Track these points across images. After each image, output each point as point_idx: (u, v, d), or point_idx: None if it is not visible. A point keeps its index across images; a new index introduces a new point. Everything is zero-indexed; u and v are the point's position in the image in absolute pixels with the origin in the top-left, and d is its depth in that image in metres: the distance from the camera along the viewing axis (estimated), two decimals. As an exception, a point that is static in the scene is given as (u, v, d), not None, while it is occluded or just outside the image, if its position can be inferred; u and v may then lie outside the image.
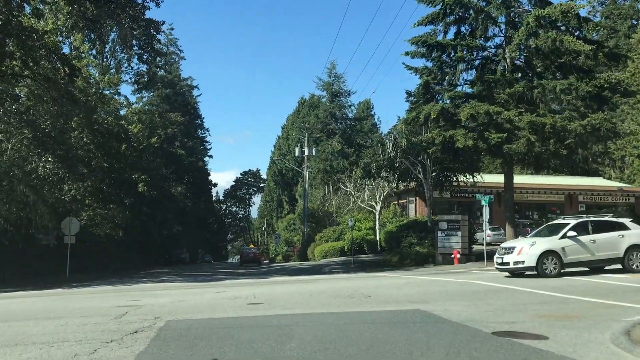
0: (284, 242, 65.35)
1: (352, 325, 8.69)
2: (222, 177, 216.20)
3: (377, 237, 41.18)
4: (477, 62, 30.11)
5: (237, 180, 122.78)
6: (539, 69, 29.02)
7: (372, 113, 77.18)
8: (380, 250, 39.68)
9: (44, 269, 24.30)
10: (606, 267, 18.09)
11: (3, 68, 25.23)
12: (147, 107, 57.90)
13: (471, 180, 32.93)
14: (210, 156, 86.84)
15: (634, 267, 17.44)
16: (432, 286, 15.39)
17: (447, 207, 44.52)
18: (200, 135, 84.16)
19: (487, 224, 25.35)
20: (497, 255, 18.41)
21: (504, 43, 29.03)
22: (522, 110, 27.98)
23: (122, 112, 44.60)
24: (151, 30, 27.01)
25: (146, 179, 41.22)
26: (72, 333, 8.68)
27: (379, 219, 42.39)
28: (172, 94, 73.17)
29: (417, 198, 46.66)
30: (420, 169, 31.60)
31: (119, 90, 41.78)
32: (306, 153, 55.43)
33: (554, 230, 18.18)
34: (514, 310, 10.04)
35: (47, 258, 25.48)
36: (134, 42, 29.32)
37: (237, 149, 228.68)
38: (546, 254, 17.00)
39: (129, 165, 38.11)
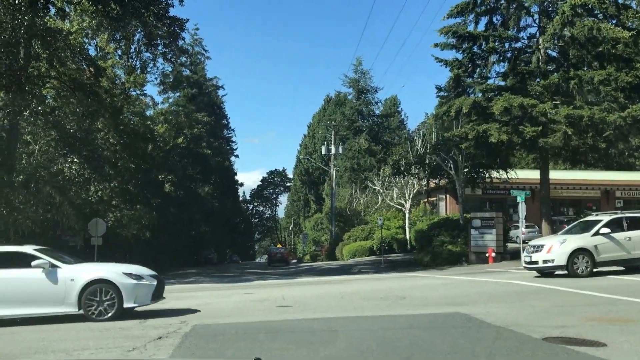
0: (312, 242, 64.86)
1: (389, 331, 8.08)
2: (248, 177, 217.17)
3: (407, 236, 40.39)
4: (509, 54, 29.11)
5: (263, 180, 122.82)
6: (574, 60, 27.92)
7: (399, 109, 76.16)
8: (410, 249, 38.88)
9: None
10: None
11: (30, 70, 25.22)
12: (173, 107, 57.98)
13: (504, 176, 31.90)
14: (237, 156, 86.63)
15: None
16: (469, 287, 14.68)
17: (479, 205, 43.42)
18: (226, 135, 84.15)
19: (524, 221, 24.39)
20: (525, 253, 17.53)
21: (537, 33, 28.02)
22: (558, 102, 26.95)
23: (148, 113, 44.64)
24: (175, 28, 26.71)
25: (173, 179, 41.09)
26: (94, 339, 8.25)
27: (408, 217, 41.58)
28: (198, 94, 73.18)
29: (448, 195, 45.66)
30: (452, 165, 30.72)
31: (144, 91, 41.75)
32: (333, 151, 54.79)
33: (586, 227, 17.16)
34: (561, 313, 9.32)
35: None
36: (159, 41, 29.08)
37: (262, 149, 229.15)
38: (577, 252, 15.95)
39: (156, 166, 37.97)
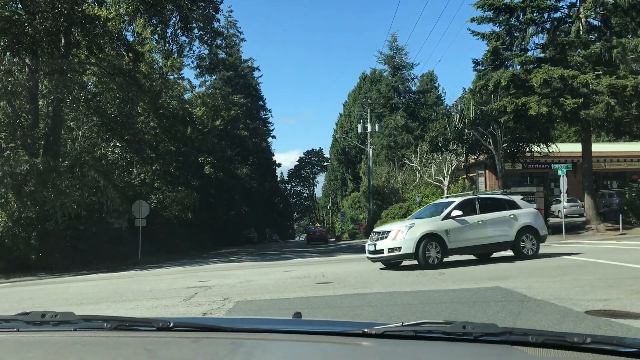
0: (350, 220, 65.03)
1: (428, 306, 8.14)
2: (285, 158, 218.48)
3: (446, 213, 40.13)
4: (548, 24, 28.46)
5: (300, 160, 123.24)
6: (617, 28, 27.09)
7: (436, 85, 75.07)
8: (449, 225, 38.63)
9: (117, 251, 24.95)
10: (495, 254, 15.45)
11: (71, 57, 25.84)
12: (210, 90, 58.56)
13: (545, 150, 31.31)
14: (274, 137, 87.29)
15: (525, 252, 14.75)
16: (509, 262, 14.57)
17: (520, 180, 42.76)
18: (263, 116, 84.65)
19: (565, 194, 23.97)
20: (369, 241, 15.06)
21: (577, 2, 27.26)
22: (600, 73, 26.26)
23: (186, 96, 45.25)
24: (210, 10, 26.91)
25: (212, 161, 41.74)
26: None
27: (447, 193, 41.26)
28: (234, 77, 73.64)
29: (487, 171, 45.08)
30: (491, 140, 30.31)
31: (182, 75, 42.31)
32: (369, 129, 54.53)
33: (436, 210, 15.25)
34: (605, 287, 9.20)
35: (119, 241, 26.17)
36: (194, 24, 29.36)
37: (299, 130, 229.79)
38: (427, 238, 13.91)
39: (195, 148, 38.62)
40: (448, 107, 65.93)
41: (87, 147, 25.27)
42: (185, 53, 48.29)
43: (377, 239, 14.43)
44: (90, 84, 29.33)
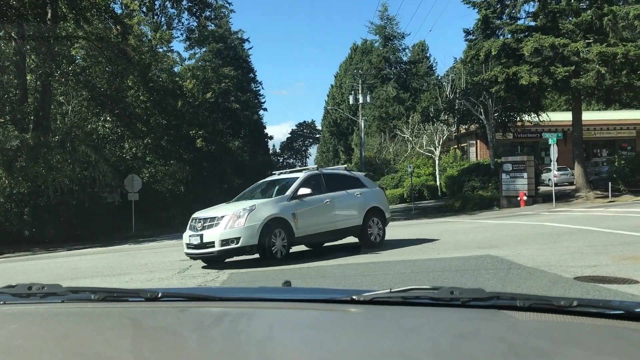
0: (343, 192, 65.20)
1: (420, 274, 8.28)
2: (277, 130, 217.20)
3: (438, 183, 40.36)
4: (540, -8, 28.24)
5: (292, 132, 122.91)
6: (608, -5, 26.93)
7: (428, 55, 74.48)
8: (441, 195, 38.92)
9: (110, 226, 24.99)
10: (340, 241, 12.78)
11: (57, 30, 25.49)
12: (200, 63, 57.94)
13: (536, 119, 31.38)
14: (265, 109, 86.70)
15: (372, 239, 12.50)
16: (500, 230, 14.77)
17: (510, 149, 42.96)
18: (254, 89, 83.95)
19: (555, 163, 24.15)
20: (189, 232, 11.43)
21: (569, -32, 27.00)
22: (591, 41, 26.18)
23: (176, 69, 44.78)
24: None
25: (204, 134, 41.49)
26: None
27: (438, 164, 41.44)
28: (224, 49, 72.79)
29: (478, 141, 45.23)
30: (482, 110, 30.32)
31: (171, 47, 41.84)
32: (360, 100, 54.31)
33: (275, 189, 12.32)
34: (594, 253, 9.37)
35: (113, 215, 26.16)
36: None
37: (291, 102, 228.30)
38: (272, 224, 10.88)
39: (186, 122, 38.40)
40: (439, 78, 65.66)
41: (78, 121, 25.07)
42: (174, 25, 47.80)
43: (203, 228, 11.00)
44: (79, 58, 28.97)
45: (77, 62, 27.09)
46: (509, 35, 28.17)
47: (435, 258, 9.92)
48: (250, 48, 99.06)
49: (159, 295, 1.78)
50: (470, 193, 29.43)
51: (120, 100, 26.38)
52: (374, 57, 69.24)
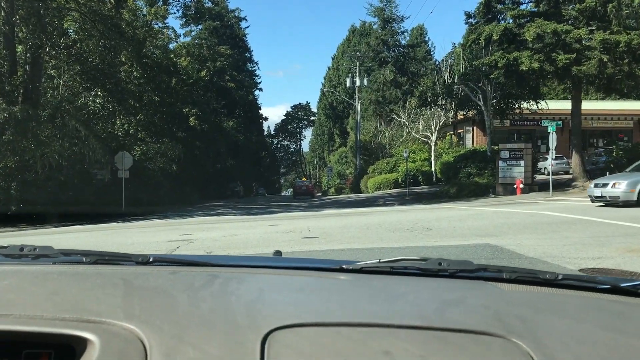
0: (337, 175, 64.88)
1: (417, 262, 7.91)
2: (273, 112, 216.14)
3: (433, 169, 40.01)
4: (543, -24, 27.72)
5: (287, 114, 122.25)
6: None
7: (426, 39, 73.75)
8: (436, 181, 38.62)
9: (100, 203, 24.41)
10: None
11: (48, 1, 24.78)
12: (196, 41, 57.09)
13: (534, 107, 30.98)
14: (260, 89, 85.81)
15: None
16: (497, 218, 14.42)
17: (507, 136, 42.58)
18: (250, 68, 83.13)
19: (554, 152, 23.81)
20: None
21: (575, -47, 26.46)
22: (594, 28, 25.74)
23: (170, 46, 44.00)
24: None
25: (197, 112, 40.88)
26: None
27: (434, 149, 41.05)
28: (220, 27, 71.88)
29: (475, 127, 44.85)
30: (480, 96, 29.87)
31: (166, 24, 41.03)
32: (357, 83, 53.76)
33: None
34: (596, 244, 9.03)
35: (102, 193, 25.62)
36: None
37: (287, 83, 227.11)
38: None
39: (180, 99, 37.74)
40: (437, 63, 65.05)
41: (68, 96, 24.40)
42: (171, 1, 46.89)
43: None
44: (71, 30, 28.26)
45: (69, 35, 26.32)
46: (511, 20, 27.69)
47: (431, 246, 9.56)
48: (247, 27, 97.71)
49: (151, 259, 1.83)
50: (466, 180, 29.11)
51: (113, 75, 25.69)
52: (372, 39, 68.50)
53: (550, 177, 23.65)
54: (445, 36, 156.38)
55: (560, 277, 1.52)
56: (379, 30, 69.66)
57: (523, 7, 27.79)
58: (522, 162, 26.31)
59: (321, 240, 10.98)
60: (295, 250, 9.62)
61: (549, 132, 23.47)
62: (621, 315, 1.32)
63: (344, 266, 1.76)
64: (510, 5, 27.93)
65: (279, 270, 1.86)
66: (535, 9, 27.57)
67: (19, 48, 25.22)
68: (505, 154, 26.78)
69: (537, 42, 26.00)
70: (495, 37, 25.55)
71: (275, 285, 1.66)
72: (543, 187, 26.09)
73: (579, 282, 1.54)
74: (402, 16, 69.73)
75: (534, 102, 30.82)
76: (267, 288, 1.61)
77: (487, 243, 9.51)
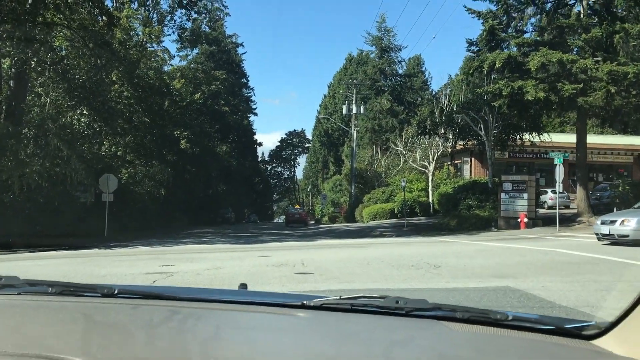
0: (331, 203, 63.65)
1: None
2: (267, 139, 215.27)
3: (430, 199, 38.90)
4: (548, 6, 27.05)
5: (282, 140, 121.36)
6: (620, 13, 25.79)
7: (423, 69, 73.48)
8: (433, 212, 37.49)
9: (82, 228, 23.07)
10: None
11: (38, 17, 23.79)
12: (192, 65, 56.30)
13: (536, 138, 30.08)
14: (255, 114, 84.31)
15: None
16: (509, 255, 13.24)
17: (505, 168, 41.76)
18: (246, 94, 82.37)
19: (561, 184, 22.76)
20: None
21: (580, -18, 25.85)
22: (600, 59, 24.97)
23: (165, 69, 43.09)
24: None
25: (189, 135, 39.65)
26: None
27: (432, 179, 40.01)
28: (217, 52, 71.33)
29: (473, 158, 44.05)
30: (482, 126, 28.92)
31: (161, 43, 40.13)
32: (354, 110, 52.91)
33: None
34: (632, 290, 7.82)
35: (85, 217, 24.24)
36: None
37: (282, 111, 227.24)
38: None
39: (172, 122, 36.58)
40: (434, 92, 64.54)
41: (52, 113, 23.19)
42: (166, 22, 46.13)
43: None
44: (60, 47, 27.22)
45: (57, 50, 25.23)
46: (514, 49, 26.95)
47: (444, 288, 8.34)
48: (244, 53, 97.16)
49: (115, 291, 1.85)
50: (466, 212, 27.98)
51: (100, 93, 24.52)
52: (369, 68, 68.03)
53: (557, 211, 22.55)
54: (442, 67, 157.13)
55: (510, 317, 1.55)
56: (377, 59, 69.24)
57: (527, 35, 27.07)
58: (525, 195, 25.22)
59: (317, 276, 9.74)
60: (287, 290, 8.37)
61: (556, 164, 22.45)
62: (560, 358, 1.36)
63: (305, 302, 1.76)
64: (514, 33, 27.20)
65: (240, 306, 1.85)
66: (539, 38, 26.85)
67: (5, 63, 24.14)
68: (507, 186, 25.71)
69: (541, 72, 25.21)
70: (498, 65, 24.71)
71: (233, 323, 1.69)
72: (547, 221, 24.99)
73: (527, 322, 1.55)
74: (400, 45, 69.46)
75: (536, 134, 29.96)
76: (224, 325, 1.65)
77: (507, 286, 8.30)
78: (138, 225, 27.23)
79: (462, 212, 28.04)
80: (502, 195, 25.77)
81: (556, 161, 22.53)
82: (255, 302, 1.90)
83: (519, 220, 24.25)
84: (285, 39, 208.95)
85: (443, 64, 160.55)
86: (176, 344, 1.37)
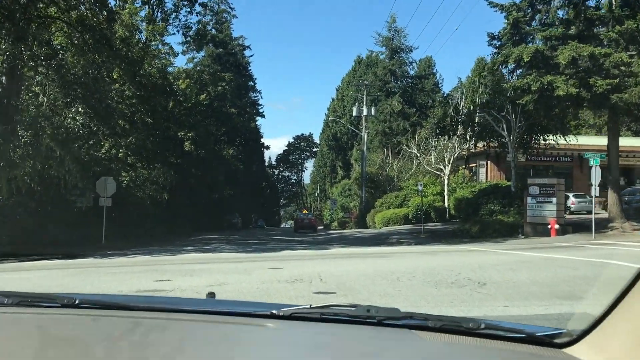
0: (340, 208, 61.89)
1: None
2: (274, 144, 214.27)
3: (446, 204, 37.09)
4: (576, -4, 25.34)
5: (289, 144, 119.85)
6: (655, 4, 24.05)
7: (434, 71, 71.67)
8: (449, 218, 35.68)
9: (77, 234, 21.44)
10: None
11: (35, 13, 22.30)
12: (198, 67, 54.84)
13: (562, 140, 28.34)
14: (263, 115, 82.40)
15: None
16: (557, 267, 11.48)
17: (523, 172, 40.00)
18: (253, 97, 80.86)
19: (597, 187, 20.94)
20: None
21: (612, -29, 24.11)
22: (634, 53, 23.23)
23: (170, 69, 41.57)
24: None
25: (194, 136, 37.98)
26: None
27: (447, 183, 38.21)
28: (224, 54, 69.89)
29: (489, 162, 42.26)
30: (504, 126, 27.14)
31: (164, 41, 38.54)
32: (365, 112, 51.17)
33: None
34: None
35: (81, 223, 22.61)
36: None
37: (288, 116, 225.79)
38: None
39: (176, 122, 34.92)
40: (445, 94, 62.78)
41: (45, 112, 21.57)
42: (171, 21, 44.62)
43: None
44: (55, 42, 25.69)
45: (51, 45, 23.64)
46: (540, 42, 25.24)
47: (504, 315, 6.62)
48: (251, 56, 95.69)
49: (76, 301, 1.77)
50: (488, 217, 26.19)
51: (97, 90, 22.88)
52: (380, 69, 66.31)
53: (593, 216, 20.73)
54: (453, 70, 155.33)
55: (482, 326, 1.52)
56: (387, 60, 67.49)
57: (553, 29, 25.32)
58: (554, 200, 23.39)
59: (341, 298, 8.01)
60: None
61: (592, 166, 20.64)
62: None
63: (274, 311, 1.72)
64: (540, 26, 25.47)
65: (207, 316, 1.77)
66: (567, 31, 25.10)
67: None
68: (534, 190, 23.89)
69: (570, 67, 23.45)
70: (526, 59, 22.94)
71: (198, 335, 1.58)
72: (578, 227, 23.22)
73: (500, 331, 1.54)
74: (411, 46, 67.67)
75: (561, 135, 28.19)
76: (188, 337, 1.56)
77: (585, 312, 6.55)
78: (139, 231, 25.54)
79: (484, 218, 26.26)
80: (529, 199, 23.96)
81: (592, 162, 20.78)
82: (223, 311, 1.83)
83: (549, 226, 22.42)
84: (290, 44, 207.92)
85: (454, 66, 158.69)
86: (137, 358, 1.33)
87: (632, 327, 1.25)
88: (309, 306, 1.72)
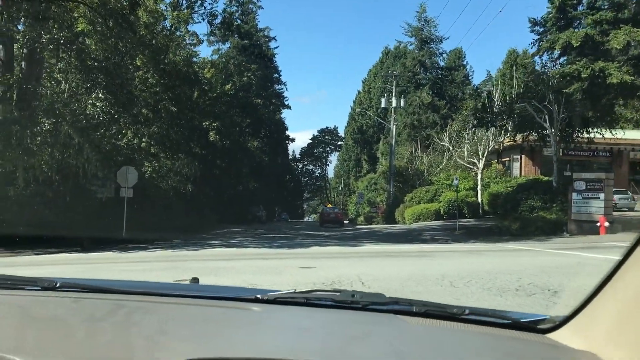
0: (366, 203, 60.52)
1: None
2: (298, 137, 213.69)
3: (480, 199, 35.51)
4: (628, -22, 23.62)
5: (314, 138, 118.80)
6: None
7: (464, 63, 69.63)
8: (482, 214, 34.13)
9: (97, 226, 20.47)
10: None
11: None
12: (223, 59, 53.92)
13: (608, 133, 26.62)
14: (289, 107, 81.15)
15: None
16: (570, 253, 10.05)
17: (559, 167, 38.31)
18: (278, 90, 79.78)
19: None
20: None
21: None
22: (694, 38, 21.52)
23: (195, 60, 40.66)
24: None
25: (218, 126, 36.94)
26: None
27: (481, 178, 36.61)
28: (249, 46, 68.83)
29: (523, 156, 40.62)
30: (547, 117, 25.49)
31: (189, 30, 37.54)
32: (394, 104, 49.62)
33: None
34: None
35: (101, 214, 21.69)
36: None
37: (313, 109, 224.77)
38: None
39: (200, 112, 33.90)
40: (475, 87, 60.93)
41: (64, 97, 20.61)
42: (196, 9, 43.69)
43: None
44: (78, 28, 24.79)
45: (72, 28, 22.71)
46: (587, 27, 23.59)
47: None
48: (277, 47, 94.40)
49: (57, 284, 1.75)
50: (528, 214, 24.65)
51: (118, 76, 21.86)
52: (409, 60, 64.54)
53: (649, 214, 19.12)
54: (483, 62, 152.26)
55: (467, 311, 1.51)
56: (416, 51, 65.67)
57: (604, 12, 23.64)
58: (601, 196, 21.75)
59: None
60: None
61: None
62: (515, 351, 1.33)
63: (258, 296, 1.70)
64: (587, 11, 23.81)
65: (191, 300, 1.74)
66: (619, 15, 23.40)
67: (18, 42, 21.75)
68: (580, 186, 22.29)
69: (621, 54, 21.82)
70: (575, 44, 21.35)
71: (183, 317, 1.57)
72: (628, 225, 21.59)
73: (484, 316, 1.53)
74: (442, 37, 65.61)
75: (607, 129, 26.49)
76: (172, 319, 1.53)
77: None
78: (161, 223, 24.50)
79: (523, 215, 24.73)
80: (574, 195, 22.37)
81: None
82: (207, 296, 1.80)
83: (598, 224, 20.84)
84: (315, 37, 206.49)
85: (483, 60, 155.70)
86: (119, 339, 1.30)
87: (614, 312, 1.23)
88: (293, 291, 1.71)
